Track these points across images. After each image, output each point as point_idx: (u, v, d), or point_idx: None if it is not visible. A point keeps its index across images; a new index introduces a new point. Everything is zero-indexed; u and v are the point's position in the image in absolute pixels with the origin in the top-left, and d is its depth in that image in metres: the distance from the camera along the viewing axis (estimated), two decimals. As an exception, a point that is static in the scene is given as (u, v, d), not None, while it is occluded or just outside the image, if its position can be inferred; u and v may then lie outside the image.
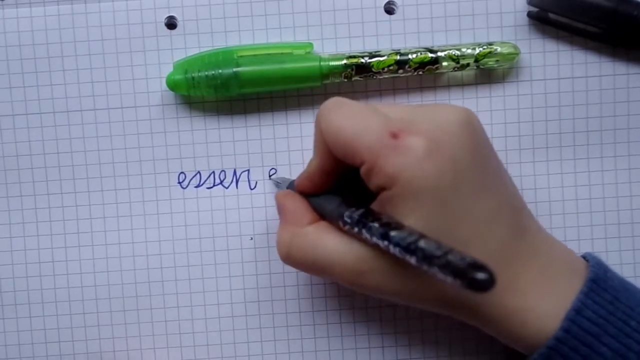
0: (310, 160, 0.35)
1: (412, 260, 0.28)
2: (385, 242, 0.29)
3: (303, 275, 0.40)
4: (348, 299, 0.40)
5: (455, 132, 0.31)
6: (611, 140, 0.39)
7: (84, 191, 0.40)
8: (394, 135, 0.30)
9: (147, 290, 0.40)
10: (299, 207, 0.35)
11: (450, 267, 0.26)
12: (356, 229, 0.31)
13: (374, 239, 0.30)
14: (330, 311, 0.40)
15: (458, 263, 0.26)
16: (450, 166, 0.30)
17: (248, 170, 0.40)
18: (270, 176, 0.40)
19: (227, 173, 0.40)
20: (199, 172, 0.40)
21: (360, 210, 0.31)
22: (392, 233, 0.29)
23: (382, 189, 0.31)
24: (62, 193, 0.40)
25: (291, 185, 0.37)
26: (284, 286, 0.40)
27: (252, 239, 0.40)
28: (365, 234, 0.30)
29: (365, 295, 0.40)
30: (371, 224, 0.30)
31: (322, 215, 0.34)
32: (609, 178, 0.40)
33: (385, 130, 0.31)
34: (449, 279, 0.26)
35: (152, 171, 0.40)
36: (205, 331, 0.40)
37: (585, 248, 0.39)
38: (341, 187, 0.34)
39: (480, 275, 0.25)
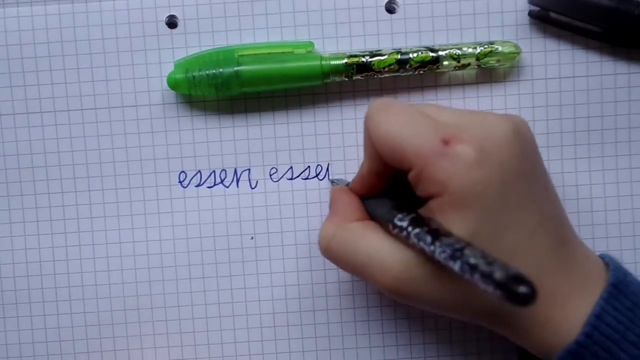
0: (362, 162, 0.35)
1: (456, 267, 0.28)
2: (432, 248, 0.29)
3: (304, 274, 0.40)
4: (349, 298, 0.40)
5: (504, 142, 0.31)
6: (612, 139, 0.39)
7: (84, 190, 0.40)
8: (445, 142, 0.30)
9: (148, 289, 0.40)
10: (350, 203, 0.35)
11: (493, 278, 0.26)
12: (405, 233, 0.31)
13: (421, 244, 0.30)
14: (331, 310, 0.40)
15: (501, 274, 0.26)
16: (499, 176, 0.30)
17: (249, 170, 0.40)
18: (269, 173, 0.40)
19: (227, 172, 0.40)
20: (199, 171, 0.40)
21: (411, 215, 0.31)
22: (439, 240, 0.29)
23: (431, 196, 0.31)
24: (62, 192, 0.40)
25: (348, 186, 0.37)
26: (285, 285, 0.40)
27: (252, 238, 0.40)
28: (413, 238, 0.30)
29: (366, 295, 0.40)
30: (420, 229, 0.30)
31: (373, 217, 0.34)
32: (609, 177, 0.40)
33: (436, 136, 0.30)
34: (491, 290, 0.26)
35: (152, 170, 0.40)
36: (206, 330, 0.40)
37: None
38: (394, 189, 0.34)
39: (522, 289, 0.25)
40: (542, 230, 0.32)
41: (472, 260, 0.27)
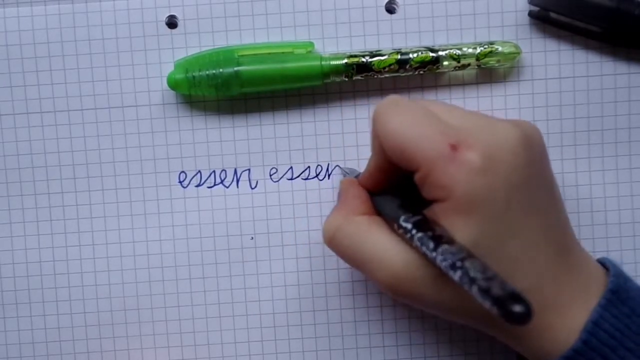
0: (370, 158, 0.34)
1: (456, 277, 0.28)
2: (433, 254, 0.29)
3: (304, 274, 0.40)
4: (349, 298, 0.40)
5: (511, 150, 0.30)
6: (612, 139, 0.39)
7: (84, 190, 0.40)
8: (453, 148, 0.30)
9: (148, 289, 0.40)
10: (358, 196, 0.35)
11: (490, 294, 0.26)
12: (409, 235, 0.31)
13: (424, 249, 0.30)
14: (331, 310, 0.40)
15: (498, 291, 0.26)
16: (504, 184, 0.30)
17: (249, 170, 0.40)
18: (269, 173, 0.40)
19: (227, 172, 0.40)
20: (199, 171, 0.40)
21: (416, 218, 0.31)
22: (441, 247, 0.29)
23: (435, 199, 0.31)
24: (62, 192, 0.40)
25: (358, 177, 0.37)
26: (285, 286, 0.40)
27: (252, 238, 0.40)
28: (416, 242, 0.30)
29: (366, 295, 0.40)
30: (423, 233, 0.30)
31: (380, 213, 0.34)
32: (609, 177, 0.40)
33: (444, 140, 0.30)
34: (488, 305, 0.26)
35: (152, 170, 0.40)
36: (206, 330, 0.40)
37: (587, 247, 0.39)
38: (402, 186, 0.34)
39: (518, 308, 0.25)
40: (545, 239, 0.32)
41: (472, 274, 0.27)
